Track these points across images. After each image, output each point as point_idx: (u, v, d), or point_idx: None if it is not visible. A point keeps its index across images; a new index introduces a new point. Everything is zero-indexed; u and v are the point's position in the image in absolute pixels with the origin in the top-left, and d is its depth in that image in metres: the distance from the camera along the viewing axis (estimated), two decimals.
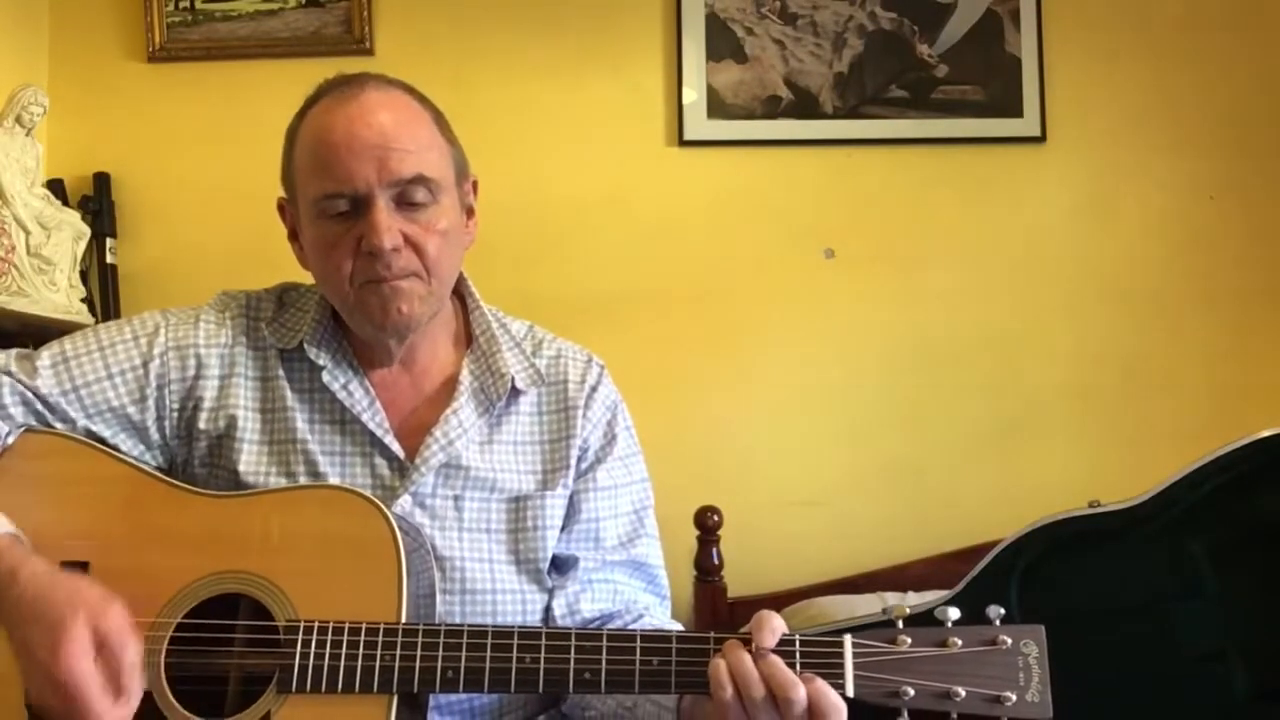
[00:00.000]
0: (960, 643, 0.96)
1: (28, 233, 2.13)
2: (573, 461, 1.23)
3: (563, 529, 1.22)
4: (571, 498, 1.23)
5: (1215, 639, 1.45)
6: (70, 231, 2.23)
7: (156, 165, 2.46)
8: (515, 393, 1.24)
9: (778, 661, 0.96)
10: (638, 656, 0.99)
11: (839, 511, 2.37)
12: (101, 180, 2.43)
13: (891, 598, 2.08)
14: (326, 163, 1.14)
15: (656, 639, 1.00)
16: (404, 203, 1.15)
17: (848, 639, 0.97)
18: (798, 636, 0.98)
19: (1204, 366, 2.38)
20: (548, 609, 1.19)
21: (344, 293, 1.16)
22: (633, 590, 1.24)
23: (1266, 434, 1.45)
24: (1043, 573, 1.49)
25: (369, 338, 1.21)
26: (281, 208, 1.25)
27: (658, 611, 1.26)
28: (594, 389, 1.27)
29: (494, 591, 1.16)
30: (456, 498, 1.18)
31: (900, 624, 0.98)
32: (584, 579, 1.21)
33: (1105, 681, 1.38)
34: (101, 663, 0.95)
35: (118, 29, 2.49)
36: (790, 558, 2.34)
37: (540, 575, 1.19)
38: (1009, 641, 0.96)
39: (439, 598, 1.10)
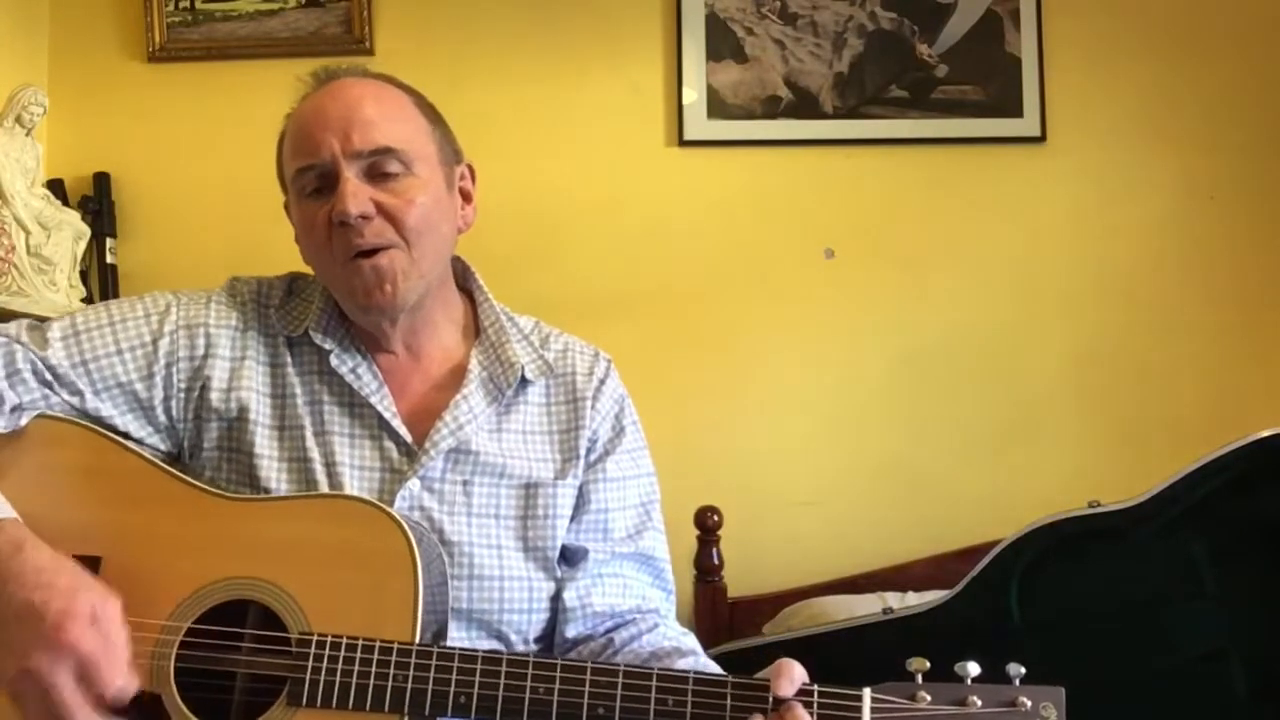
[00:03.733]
0: (980, 702, 0.96)
1: (28, 233, 2.13)
2: (582, 452, 1.24)
3: (572, 519, 1.22)
4: (581, 488, 1.23)
5: (1215, 639, 1.45)
6: (70, 231, 2.23)
7: (156, 165, 2.46)
8: (524, 384, 1.24)
9: (804, 715, 0.95)
10: (653, 695, 0.98)
11: (839, 511, 2.37)
12: (101, 180, 2.43)
13: (892, 598, 2.08)
14: (298, 138, 1.18)
15: (673, 678, 1.00)
16: (376, 174, 1.15)
17: (867, 693, 0.97)
18: (816, 688, 0.97)
19: (1204, 366, 2.38)
20: (556, 598, 1.19)
21: (334, 272, 1.17)
22: (641, 585, 1.25)
23: (1266, 434, 1.46)
24: (1043, 572, 1.49)
25: (362, 321, 1.21)
26: (287, 209, 1.26)
27: (665, 607, 1.27)
28: (602, 382, 1.28)
29: (501, 578, 1.16)
30: (465, 483, 1.18)
31: (919, 678, 0.97)
32: (594, 572, 1.21)
33: (1105, 680, 1.38)
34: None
35: (118, 29, 2.49)
36: (790, 558, 2.34)
37: (548, 563, 1.19)
38: (1029, 704, 0.96)
39: (449, 584, 1.10)
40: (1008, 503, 2.19)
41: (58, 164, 2.40)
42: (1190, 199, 2.41)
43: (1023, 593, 1.49)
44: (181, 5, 2.47)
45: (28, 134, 2.17)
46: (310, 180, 1.16)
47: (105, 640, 0.94)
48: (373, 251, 1.14)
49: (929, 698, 0.96)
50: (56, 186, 2.34)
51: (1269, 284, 2.39)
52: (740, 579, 2.27)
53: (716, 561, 2.24)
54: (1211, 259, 2.40)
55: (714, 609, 2.22)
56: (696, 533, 2.25)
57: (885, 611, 1.72)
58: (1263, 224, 2.40)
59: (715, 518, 2.24)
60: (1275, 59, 2.43)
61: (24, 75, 2.32)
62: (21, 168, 2.14)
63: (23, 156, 2.15)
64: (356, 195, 1.13)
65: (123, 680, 0.95)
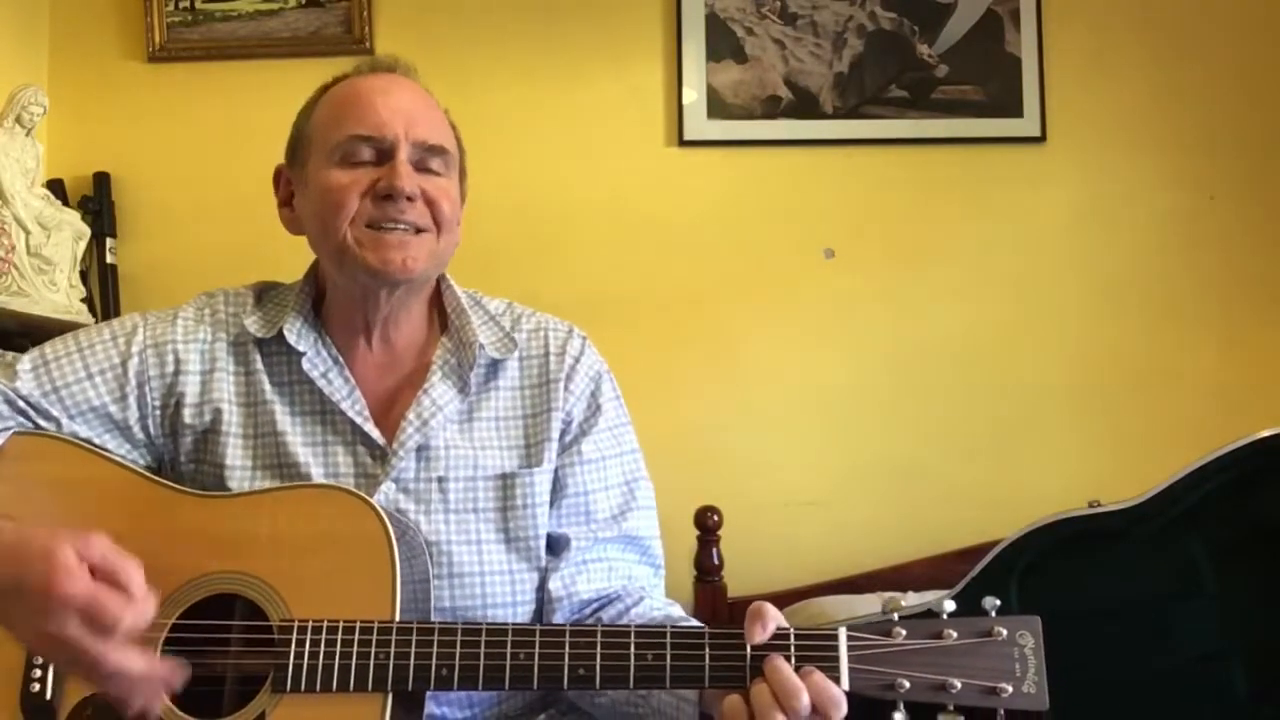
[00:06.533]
0: (956, 634, 0.96)
1: (28, 233, 2.13)
2: (555, 435, 1.22)
3: (552, 505, 1.21)
4: (557, 473, 1.22)
5: (1215, 639, 1.45)
6: (70, 231, 2.23)
7: (156, 165, 2.46)
8: (494, 366, 1.24)
9: (783, 668, 0.96)
10: (632, 652, 0.99)
11: (839, 511, 2.38)
12: (101, 180, 2.43)
13: None
14: (359, 109, 1.18)
15: (651, 634, 1.00)
16: (422, 167, 1.19)
17: (842, 631, 0.97)
18: (792, 630, 0.98)
19: (1203, 366, 2.38)
20: (541, 588, 1.19)
21: (340, 233, 1.16)
22: (627, 565, 1.24)
23: (1266, 434, 1.45)
24: (1042, 573, 1.49)
25: (356, 288, 1.20)
26: (278, 175, 1.26)
27: (652, 583, 1.26)
28: (576, 360, 1.27)
29: (482, 574, 1.16)
30: (440, 479, 1.17)
31: (895, 617, 0.98)
32: (578, 560, 1.20)
33: (1105, 681, 1.38)
34: (100, 579, 0.92)
35: (118, 29, 2.49)
36: (790, 558, 2.34)
37: (532, 553, 1.18)
38: (1005, 633, 0.96)
39: (431, 583, 1.10)
40: (1008, 503, 2.19)
41: (58, 164, 2.40)
42: (1190, 199, 2.41)
43: (1022, 593, 1.49)
44: (181, 5, 2.47)
45: (28, 134, 2.17)
46: (361, 150, 1.17)
47: (103, 575, 0.93)
48: (406, 228, 1.17)
49: (904, 633, 0.96)
50: (56, 186, 2.34)
51: (1269, 284, 2.39)
52: (740, 579, 2.27)
53: (716, 561, 2.24)
54: (1211, 259, 2.40)
55: (714, 609, 2.22)
56: (696, 533, 2.25)
57: (885, 612, 1.71)
58: (1263, 224, 2.40)
59: (715, 518, 2.24)
60: (1274, 59, 2.43)
61: (24, 75, 2.32)
62: (21, 168, 2.14)
63: (23, 156, 2.15)
64: (411, 176, 1.16)
65: (130, 609, 0.92)
